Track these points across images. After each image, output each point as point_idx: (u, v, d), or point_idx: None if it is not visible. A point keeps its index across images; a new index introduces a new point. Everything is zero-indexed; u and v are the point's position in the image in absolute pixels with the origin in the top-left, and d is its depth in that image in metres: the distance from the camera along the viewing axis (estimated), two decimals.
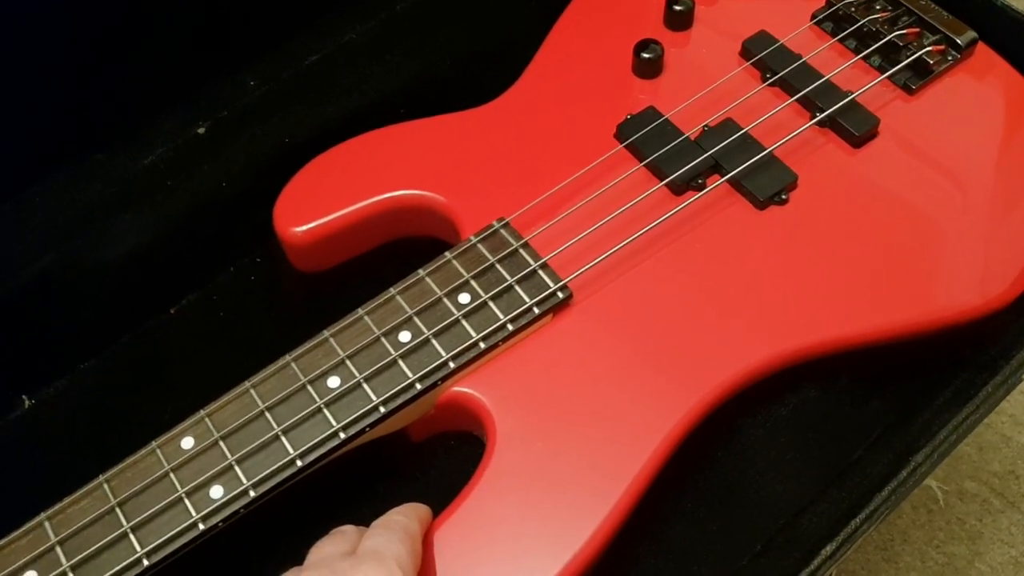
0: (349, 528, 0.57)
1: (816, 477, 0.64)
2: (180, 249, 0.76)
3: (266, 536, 0.62)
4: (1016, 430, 1.33)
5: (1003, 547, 1.25)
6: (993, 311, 0.66)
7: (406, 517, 0.57)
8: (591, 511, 0.58)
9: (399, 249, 0.74)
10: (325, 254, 0.72)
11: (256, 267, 0.77)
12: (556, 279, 0.64)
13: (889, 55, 0.75)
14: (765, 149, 0.70)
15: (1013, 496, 1.28)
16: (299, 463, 0.58)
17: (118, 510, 0.56)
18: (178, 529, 0.55)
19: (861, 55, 0.76)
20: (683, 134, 0.72)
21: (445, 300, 0.63)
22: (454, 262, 0.65)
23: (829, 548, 0.58)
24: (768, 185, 0.69)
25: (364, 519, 0.58)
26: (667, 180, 0.70)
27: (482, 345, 0.62)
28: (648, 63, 0.76)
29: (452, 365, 0.61)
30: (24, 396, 0.72)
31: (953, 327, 0.66)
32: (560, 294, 0.64)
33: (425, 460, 0.68)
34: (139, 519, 0.55)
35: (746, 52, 0.77)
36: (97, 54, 0.73)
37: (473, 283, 0.64)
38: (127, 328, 0.74)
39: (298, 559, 0.55)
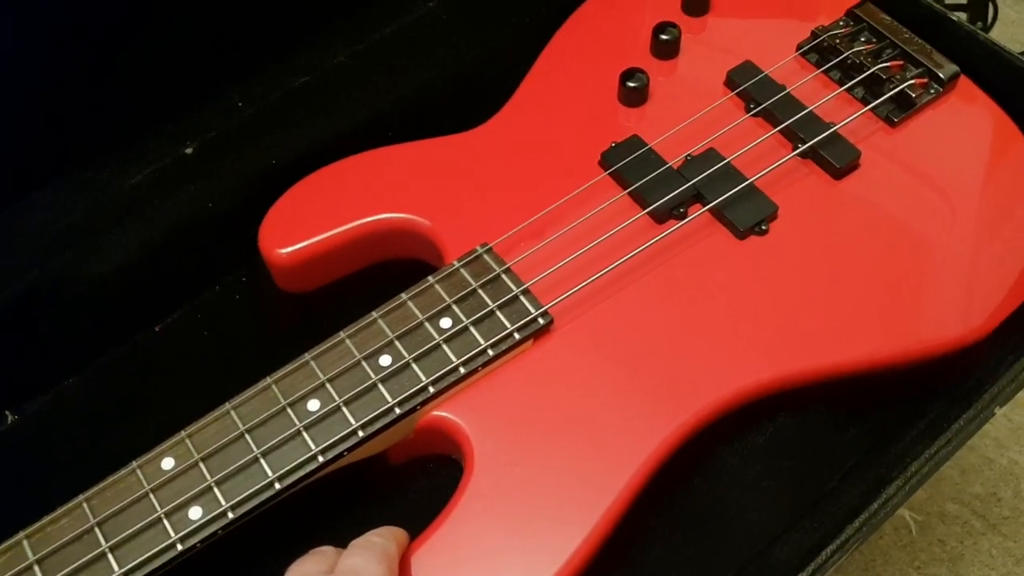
0: (328, 548, 0.58)
1: (791, 505, 0.65)
2: (166, 267, 0.76)
3: (244, 557, 0.62)
4: (999, 452, 1.34)
5: (984, 569, 1.25)
6: (969, 344, 0.67)
7: (383, 539, 0.57)
8: (567, 536, 0.58)
9: (384, 271, 0.74)
10: (310, 275, 0.73)
11: (241, 286, 0.78)
12: (537, 305, 0.65)
13: (872, 87, 0.76)
14: (747, 179, 0.71)
15: (994, 519, 1.28)
16: (277, 486, 0.58)
17: (97, 530, 0.56)
18: (156, 549, 0.56)
19: (844, 87, 0.76)
20: (666, 163, 0.72)
21: (427, 324, 0.64)
22: (436, 287, 0.66)
23: None
24: (749, 215, 0.70)
25: (342, 541, 0.58)
26: (649, 208, 0.70)
27: (462, 370, 0.62)
28: (633, 92, 0.76)
29: (432, 390, 0.62)
30: (7, 411, 0.72)
31: (929, 359, 0.67)
32: (541, 320, 0.65)
33: (403, 483, 0.68)
34: (118, 539, 0.56)
35: (731, 82, 0.78)
36: (86, 72, 0.73)
37: (455, 308, 0.65)
38: (112, 344, 0.75)
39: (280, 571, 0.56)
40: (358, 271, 0.74)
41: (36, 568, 0.55)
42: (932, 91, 0.76)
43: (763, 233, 0.70)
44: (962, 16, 1.37)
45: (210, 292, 0.77)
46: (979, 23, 1.36)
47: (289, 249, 0.70)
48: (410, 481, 0.68)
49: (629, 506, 0.60)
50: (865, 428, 0.68)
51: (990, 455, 1.34)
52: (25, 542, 0.56)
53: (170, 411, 0.62)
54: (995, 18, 1.42)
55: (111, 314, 0.75)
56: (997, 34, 1.65)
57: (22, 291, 0.72)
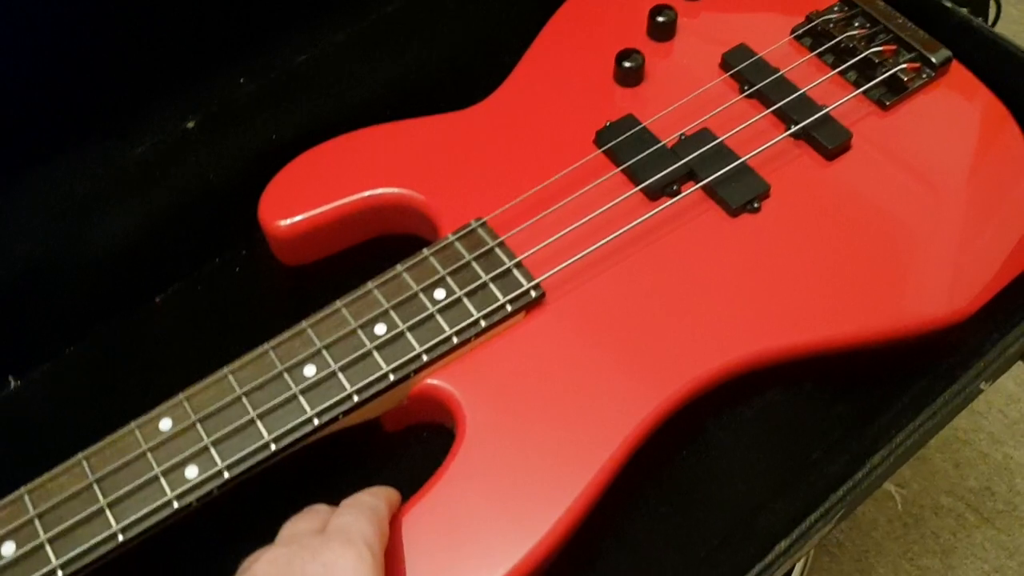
0: (321, 507, 0.59)
1: (778, 477, 0.66)
2: (167, 240, 0.77)
3: (239, 521, 0.63)
4: (993, 447, 1.34)
5: (976, 562, 1.26)
6: (956, 323, 0.68)
7: (375, 498, 0.58)
8: (555, 501, 0.59)
9: (381, 246, 0.75)
10: (308, 248, 0.74)
11: (241, 259, 0.79)
12: (529, 278, 0.66)
13: (865, 71, 0.77)
14: (739, 158, 0.72)
15: (988, 512, 1.29)
16: (273, 447, 0.59)
17: (95, 486, 0.57)
18: (153, 507, 0.57)
19: (837, 70, 0.77)
20: (660, 141, 0.73)
21: (421, 295, 0.65)
22: (431, 259, 0.67)
23: (784, 544, 0.59)
24: (741, 193, 0.71)
25: (337, 505, 0.59)
26: (642, 185, 0.71)
27: (455, 340, 0.64)
28: (629, 72, 0.77)
29: (425, 358, 0.63)
30: (10, 376, 0.73)
31: (916, 337, 0.68)
32: (533, 293, 0.66)
33: (397, 451, 0.69)
34: (115, 496, 0.57)
35: (725, 64, 0.79)
36: (92, 46, 0.74)
37: (449, 280, 0.66)
38: (113, 315, 0.76)
39: (270, 542, 0.57)
40: (356, 246, 0.76)
41: (36, 522, 0.56)
42: (924, 75, 0.77)
43: (755, 211, 0.71)
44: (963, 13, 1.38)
45: (210, 265, 0.78)
46: (980, 19, 1.37)
47: (288, 221, 0.72)
48: (404, 449, 0.69)
49: (615, 474, 0.61)
50: (852, 404, 0.69)
51: (985, 450, 1.35)
52: (26, 497, 0.57)
53: (169, 380, 0.62)
54: (998, 16, 1.43)
55: (113, 284, 0.76)
56: (1000, 31, 1.66)
57: (26, 260, 0.73)
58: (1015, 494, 1.30)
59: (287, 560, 0.53)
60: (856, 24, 0.79)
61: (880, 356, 0.68)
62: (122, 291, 0.76)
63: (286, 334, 0.63)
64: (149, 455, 0.58)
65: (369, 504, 0.58)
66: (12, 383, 0.73)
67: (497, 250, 0.67)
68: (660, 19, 0.80)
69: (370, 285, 0.65)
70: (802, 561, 1.18)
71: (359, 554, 0.53)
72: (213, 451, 0.59)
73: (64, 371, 0.74)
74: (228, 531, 0.63)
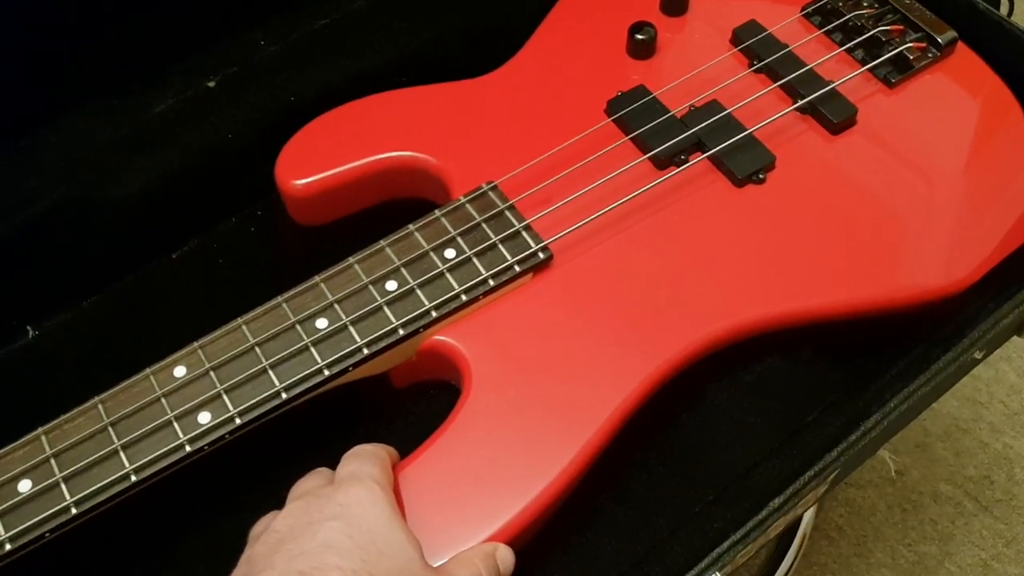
0: (325, 469, 0.61)
1: (774, 440, 0.67)
2: (185, 196, 0.79)
3: (251, 472, 0.65)
4: (993, 437, 1.35)
5: (973, 549, 1.27)
6: (953, 294, 0.69)
7: (374, 446, 0.60)
8: (555, 457, 0.61)
9: (394, 209, 0.76)
10: (323, 208, 0.76)
11: (257, 219, 0.80)
12: (538, 240, 0.68)
13: (872, 49, 0.79)
14: (746, 130, 0.74)
15: (987, 501, 1.30)
16: (284, 395, 0.61)
17: (110, 429, 0.59)
18: (165, 449, 0.59)
19: (844, 47, 0.79)
20: (669, 111, 0.75)
21: (432, 254, 0.67)
22: (443, 219, 0.68)
23: (778, 501, 0.61)
24: (747, 164, 0.72)
25: None
26: (651, 154, 0.73)
27: (464, 297, 0.65)
28: (641, 44, 0.79)
29: (434, 314, 0.64)
30: (28, 326, 0.75)
31: (914, 307, 0.69)
32: (541, 254, 0.67)
33: (405, 406, 0.71)
34: (129, 438, 0.59)
35: (736, 39, 0.80)
36: (116, 3, 0.76)
37: (459, 240, 0.67)
38: (130, 268, 0.77)
39: (281, 493, 0.59)
40: (369, 208, 0.77)
41: (52, 462, 0.58)
42: (930, 55, 0.78)
43: (760, 182, 0.72)
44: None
45: (226, 223, 0.80)
46: (993, 7, 1.37)
47: (304, 181, 0.73)
48: (412, 405, 0.71)
49: (615, 433, 0.63)
50: (850, 371, 0.70)
51: (985, 439, 1.36)
52: (43, 437, 0.59)
53: (183, 333, 0.64)
54: (1011, 11, 1.43)
55: (131, 238, 0.77)
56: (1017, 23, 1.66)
57: (46, 211, 0.74)
58: (1014, 484, 1.31)
59: (304, 510, 0.55)
60: (865, 3, 0.81)
61: (878, 325, 0.70)
62: (140, 245, 0.78)
63: (299, 287, 0.65)
64: (163, 400, 0.60)
65: (370, 450, 0.60)
66: (30, 332, 0.75)
67: (507, 212, 0.69)
68: None
69: (382, 243, 0.67)
70: (797, 542, 1.19)
71: (370, 489, 0.55)
72: (226, 398, 0.60)
73: (81, 322, 0.75)
74: (240, 488, 0.66)
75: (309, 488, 0.58)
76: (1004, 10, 1.38)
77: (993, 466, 1.33)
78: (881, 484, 1.31)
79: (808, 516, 1.22)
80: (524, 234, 0.68)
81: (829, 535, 1.28)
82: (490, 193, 0.70)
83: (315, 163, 0.74)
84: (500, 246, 0.67)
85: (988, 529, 1.28)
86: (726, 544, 0.60)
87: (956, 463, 1.33)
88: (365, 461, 0.58)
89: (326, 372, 0.62)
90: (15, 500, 0.56)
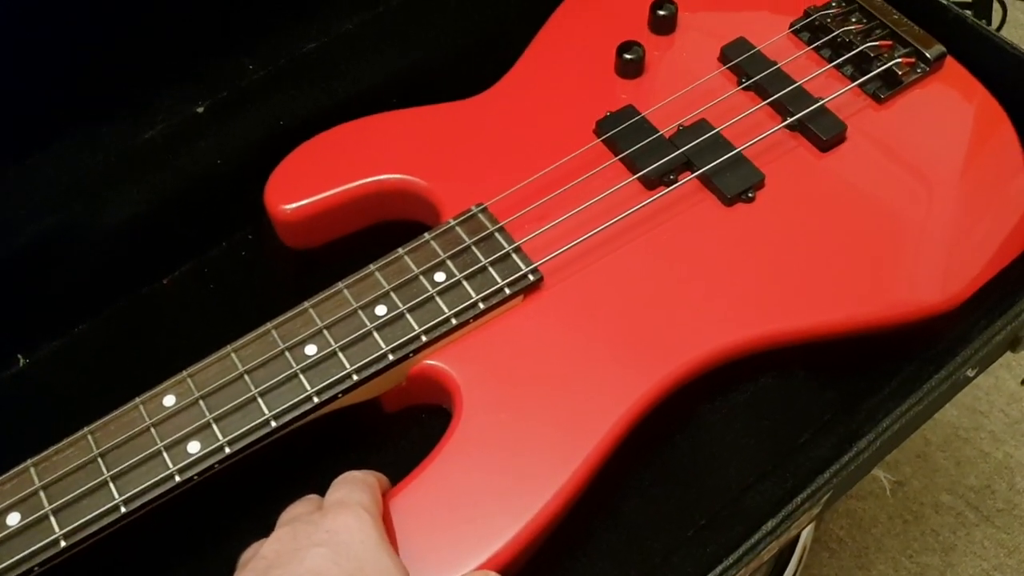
0: (314, 496, 0.61)
1: (767, 461, 0.67)
2: (175, 222, 0.79)
3: (241, 499, 0.65)
4: (994, 446, 1.35)
5: (975, 560, 1.27)
6: (945, 311, 0.69)
7: (364, 473, 0.60)
8: (548, 481, 0.61)
9: (385, 231, 0.76)
10: (312, 232, 0.75)
11: (247, 243, 0.80)
12: (528, 262, 0.68)
13: (861, 65, 0.79)
14: (735, 149, 0.74)
15: (988, 511, 1.30)
16: (273, 423, 0.61)
17: (100, 460, 0.59)
18: (155, 480, 0.58)
19: (833, 63, 0.79)
20: (658, 131, 0.75)
21: (421, 278, 0.66)
22: (432, 242, 0.68)
23: (770, 524, 0.60)
24: (736, 183, 0.72)
25: None
26: (640, 174, 0.73)
27: (454, 321, 0.65)
28: (630, 64, 0.79)
29: (424, 339, 0.64)
30: (19, 355, 0.75)
31: (905, 325, 0.69)
32: (531, 277, 0.67)
33: (396, 431, 0.70)
34: (119, 469, 0.58)
35: (724, 57, 0.80)
36: (103, 31, 0.76)
37: (449, 263, 0.67)
38: (121, 295, 0.77)
39: (270, 522, 0.58)
40: (359, 231, 0.77)
41: (41, 493, 0.57)
42: (919, 70, 0.78)
43: (750, 200, 0.72)
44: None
45: (217, 248, 0.80)
46: (983, 23, 1.37)
47: (293, 205, 0.73)
48: (404, 430, 0.71)
49: (608, 456, 0.63)
50: (843, 390, 0.70)
51: (986, 448, 1.35)
52: (32, 469, 0.59)
53: (175, 359, 0.64)
54: (1004, 20, 1.43)
55: (121, 265, 0.77)
56: (1006, 35, 1.66)
57: (37, 238, 0.74)
58: (1015, 493, 1.31)
59: (291, 536, 0.55)
60: (853, 19, 0.81)
61: (871, 343, 0.69)
62: (131, 272, 0.78)
63: (288, 314, 0.65)
64: (152, 430, 0.60)
65: (359, 477, 0.60)
66: (21, 361, 0.74)
67: (497, 235, 0.69)
68: (661, 13, 0.81)
69: (372, 267, 0.67)
70: (798, 554, 1.19)
71: (358, 515, 0.55)
72: (215, 427, 0.60)
73: (72, 349, 0.75)
74: (228, 513, 0.65)
75: (297, 514, 0.58)
76: (997, 18, 1.38)
77: (994, 475, 1.33)
78: (882, 495, 1.31)
79: (808, 528, 1.21)
80: (514, 256, 0.68)
81: (830, 547, 1.28)
82: (480, 215, 0.70)
83: (304, 187, 0.74)
84: (490, 269, 0.67)
85: (990, 539, 1.28)
86: (719, 569, 0.59)
87: (957, 473, 1.33)
88: (354, 488, 0.58)
89: (315, 399, 0.62)
90: (5, 533, 0.56)
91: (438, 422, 0.68)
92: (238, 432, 0.60)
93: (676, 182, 0.73)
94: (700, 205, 0.72)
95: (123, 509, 0.58)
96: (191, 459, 0.59)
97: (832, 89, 0.77)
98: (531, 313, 0.68)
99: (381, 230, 0.77)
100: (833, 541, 1.28)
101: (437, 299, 0.66)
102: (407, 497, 0.61)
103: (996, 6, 1.39)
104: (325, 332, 0.64)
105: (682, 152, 0.73)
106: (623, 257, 0.70)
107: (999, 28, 1.41)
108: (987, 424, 1.37)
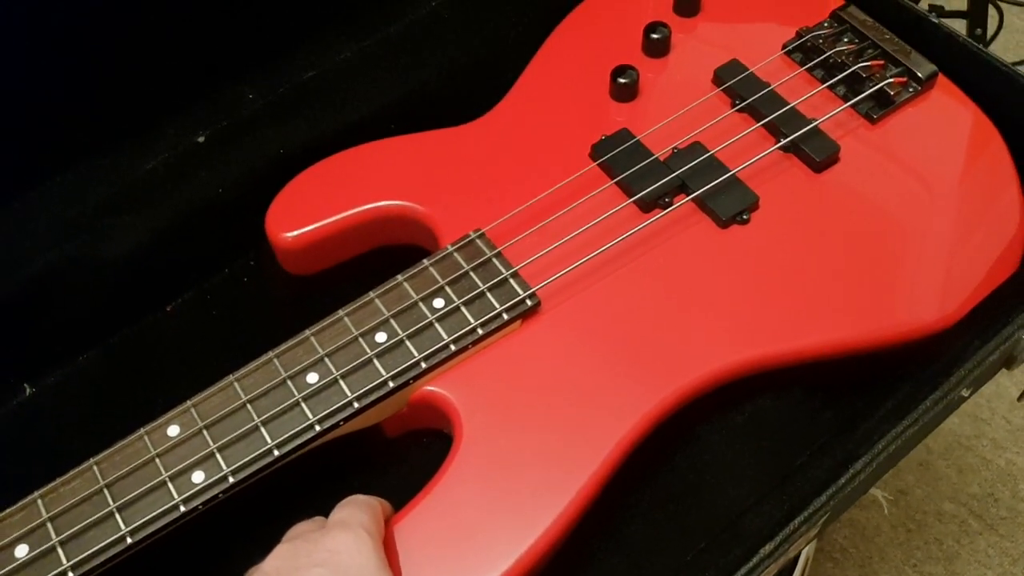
0: (319, 517, 0.62)
1: (767, 482, 0.67)
2: (177, 250, 0.79)
3: (245, 525, 0.65)
4: (996, 454, 1.35)
5: (979, 568, 1.27)
6: (940, 331, 0.70)
7: (366, 496, 0.61)
8: (549, 505, 0.61)
9: (384, 256, 0.77)
10: (313, 259, 0.76)
11: (249, 269, 0.81)
12: (526, 287, 0.68)
13: (854, 85, 0.79)
14: (729, 171, 0.74)
15: (991, 519, 1.30)
16: (276, 452, 0.61)
17: (106, 491, 0.59)
18: (161, 510, 0.59)
19: (826, 84, 0.79)
20: (653, 155, 0.76)
21: (420, 304, 0.67)
22: (431, 269, 0.69)
23: (768, 547, 0.61)
24: (731, 205, 0.73)
25: None
26: (635, 197, 0.73)
27: (453, 347, 0.66)
28: (624, 88, 0.80)
29: (424, 365, 0.65)
30: (25, 384, 0.75)
31: (899, 345, 0.70)
32: (529, 301, 0.68)
33: (398, 456, 0.71)
34: (125, 500, 0.59)
35: (718, 79, 0.81)
36: (103, 63, 0.77)
37: (448, 289, 0.68)
38: (125, 323, 0.78)
39: (273, 546, 0.59)
40: (359, 255, 0.78)
41: (49, 525, 0.58)
42: (911, 89, 0.79)
43: (744, 222, 0.73)
44: (962, 24, 1.39)
45: (219, 275, 0.81)
46: (979, 30, 1.37)
47: (294, 233, 0.74)
48: (405, 454, 0.71)
49: (608, 479, 0.63)
50: (839, 410, 0.71)
51: (988, 456, 1.35)
52: (39, 501, 0.59)
53: (178, 387, 0.65)
54: (1000, 26, 1.43)
55: (124, 294, 0.78)
56: (1003, 41, 1.67)
57: (41, 270, 0.75)
58: (1018, 500, 1.31)
59: (292, 553, 0.56)
60: (845, 40, 0.81)
61: (867, 362, 0.70)
62: (133, 300, 0.78)
63: (290, 342, 0.66)
64: (157, 460, 0.61)
65: (362, 499, 0.61)
66: (27, 390, 0.75)
67: (495, 260, 0.70)
68: (655, 36, 0.82)
69: (371, 295, 0.68)
70: (801, 565, 1.19)
71: (358, 536, 0.56)
72: (219, 456, 0.61)
73: (77, 378, 0.76)
74: (233, 539, 0.66)
75: (300, 532, 0.59)
76: (993, 24, 1.39)
77: (997, 483, 1.33)
78: (884, 504, 1.31)
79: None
80: (512, 281, 0.69)
81: (833, 557, 1.28)
82: (477, 241, 0.71)
83: (304, 215, 0.74)
84: (488, 294, 0.68)
85: (994, 547, 1.28)
86: None
87: (959, 481, 1.33)
88: (357, 509, 0.59)
89: (317, 427, 0.62)
90: (13, 566, 0.57)
91: (440, 446, 0.68)
92: (241, 462, 0.61)
93: (671, 205, 0.74)
94: (695, 227, 0.73)
95: (129, 540, 0.58)
96: (195, 489, 0.60)
97: (825, 110, 0.78)
98: (529, 337, 0.68)
99: (381, 254, 0.78)
100: (837, 551, 1.28)
101: (436, 325, 0.66)
102: (409, 523, 0.61)
103: (992, 11, 1.39)
104: (326, 360, 0.65)
105: (677, 175, 0.74)
106: (619, 281, 0.70)
107: (996, 33, 1.41)
108: (989, 431, 1.37)
